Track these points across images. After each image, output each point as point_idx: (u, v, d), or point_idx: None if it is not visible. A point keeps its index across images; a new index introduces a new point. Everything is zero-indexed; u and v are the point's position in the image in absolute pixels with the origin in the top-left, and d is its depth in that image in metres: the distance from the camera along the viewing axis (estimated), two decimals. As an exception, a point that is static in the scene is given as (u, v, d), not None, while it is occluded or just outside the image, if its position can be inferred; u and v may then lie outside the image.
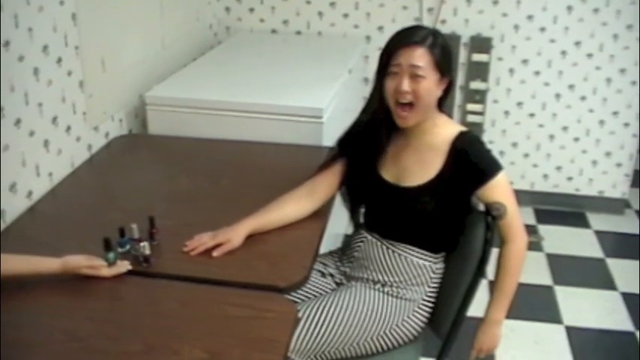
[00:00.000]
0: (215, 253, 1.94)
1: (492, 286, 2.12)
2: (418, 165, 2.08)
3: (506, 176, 2.04)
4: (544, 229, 4.17)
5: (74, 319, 1.68)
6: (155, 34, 3.20)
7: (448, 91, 2.08)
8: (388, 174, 2.13)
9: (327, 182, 2.18)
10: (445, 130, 2.08)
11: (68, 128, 2.47)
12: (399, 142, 2.13)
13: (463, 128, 2.10)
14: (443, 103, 2.11)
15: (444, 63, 2.01)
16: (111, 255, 1.82)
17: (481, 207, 2.09)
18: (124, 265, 1.84)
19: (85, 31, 2.51)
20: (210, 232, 2.00)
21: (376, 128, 2.11)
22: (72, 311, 1.72)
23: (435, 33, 2.02)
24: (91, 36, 2.57)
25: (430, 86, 1.99)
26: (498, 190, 2.03)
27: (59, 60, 2.38)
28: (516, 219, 2.06)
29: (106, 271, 1.81)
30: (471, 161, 2.02)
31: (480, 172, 2.02)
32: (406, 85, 1.97)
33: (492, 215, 2.01)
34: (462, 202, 2.10)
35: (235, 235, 1.98)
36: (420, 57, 1.97)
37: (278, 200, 2.14)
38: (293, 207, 2.14)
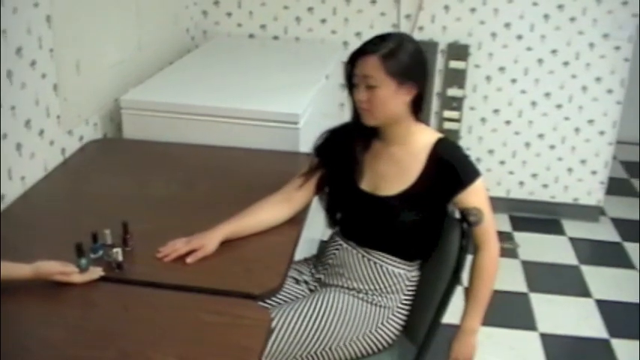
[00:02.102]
0: (189, 260, 1.92)
1: (466, 294, 2.12)
2: (395, 173, 2.08)
3: (483, 182, 2.05)
4: (519, 236, 4.18)
5: (46, 326, 1.66)
6: (131, 37, 3.18)
7: (420, 99, 2.06)
8: (365, 183, 2.12)
9: (304, 189, 2.17)
10: (422, 137, 2.08)
11: (42, 132, 2.44)
12: (376, 151, 2.13)
13: (440, 135, 2.10)
14: (420, 111, 2.09)
15: (404, 71, 1.97)
16: (83, 261, 1.80)
17: (457, 214, 2.09)
18: (97, 272, 1.82)
19: (60, 33, 2.49)
20: (184, 237, 1.98)
21: (351, 139, 2.12)
22: (43, 318, 1.70)
23: (399, 40, 2.00)
24: (66, 38, 2.54)
25: (385, 95, 1.98)
26: (476, 196, 2.04)
27: (33, 63, 2.35)
28: (491, 226, 2.07)
29: (78, 278, 1.79)
30: (450, 167, 2.03)
31: (459, 178, 2.03)
32: (361, 94, 1.99)
33: (469, 221, 2.02)
34: (439, 209, 2.10)
35: (209, 241, 1.97)
36: (370, 67, 1.97)
37: (253, 206, 2.13)
38: (268, 213, 2.13)
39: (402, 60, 1.98)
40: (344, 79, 2.07)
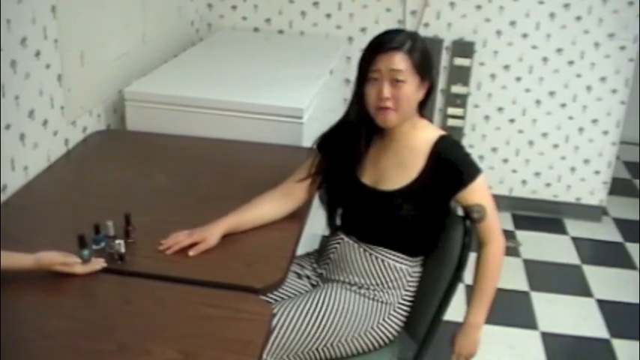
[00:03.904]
0: (191, 253, 1.92)
1: (471, 289, 2.12)
2: (397, 168, 2.07)
3: (485, 179, 2.05)
4: (522, 235, 4.18)
5: (46, 317, 1.66)
6: (136, 29, 3.17)
7: (429, 95, 2.07)
8: (367, 177, 2.12)
9: (305, 184, 2.16)
10: (425, 133, 2.08)
11: (45, 122, 2.44)
12: (379, 145, 2.12)
13: (443, 132, 2.10)
14: (424, 107, 2.11)
15: (424, 66, 2.00)
16: (85, 252, 1.80)
17: (460, 212, 2.09)
18: (99, 263, 1.82)
19: (65, 24, 2.48)
20: (186, 230, 1.98)
21: (355, 134, 2.10)
22: (44, 308, 1.70)
23: (413, 36, 2.01)
24: (71, 29, 2.53)
25: (411, 90, 1.98)
26: (478, 193, 2.03)
27: (38, 53, 2.35)
28: (495, 221, 2.07)
29: (80, 269, 1.79)
30: (451, 165, 2.02)
31: (460, 176, 2.02)
32: (387, 90, 1.96)
33: (473, 218, 2.02)
34: (441, 206, 2.10)
35: (211, 234, 1.97)
36: (399, 61, 1.96)
37: (255, 200, 2.13)
38: (269, 207, 2.13)
39: (421, 55, 2.00)
40: (358, 76, 2.04)
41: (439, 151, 2.04)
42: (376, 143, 2.13)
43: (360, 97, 2.04)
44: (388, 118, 2.02)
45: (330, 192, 2.22)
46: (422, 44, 2.02)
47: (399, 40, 1.98)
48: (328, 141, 2.19)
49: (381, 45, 1.99)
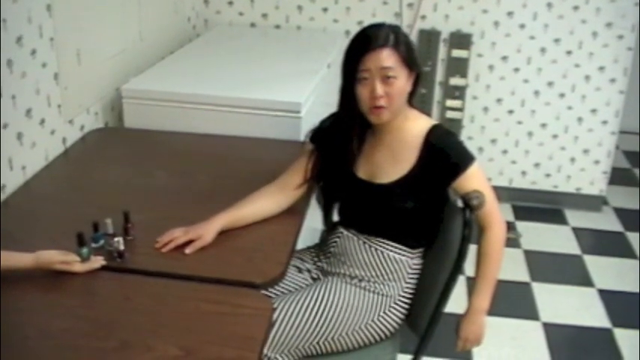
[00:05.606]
0: (187, 251, 1.91)
1: (474, 276, 2.11)
2: (391, 161, 2.07)
3: (479, 166, 2.05)
4: (522, 226, 4.18)
5: (47, 316, 1.66)
6: (132, 26, 3.17)
7: (417, 84, 2.07)
8: (362, 172, 2.12)
9: (300, 179, 2.16)
10: (417, 124, 2.08)
11: (42, 121, 2.44)
12: (372, 139, 2.12)
13: (435, 122, 2.10)
14: (413, 97, 2.10)
15: (410, 58, 2.00)
16: (84, 250, 1.79)
17: (459, 203, 2.08)
18: (98, 261, 1.81)
19: (61, 22, 2.48)
20: (182, 227, 1.98)
21: (348, 132, 2.10)
22: (44, 307, 1.70)
23: (395, 29, 2.01)
24: (67, 27, 2.53)
25: (402, 85, 1.99)
26: (474, 180, 2.03)
27: (34, 51, 2.34)
28: (494, 206, 2.07)
29: (80, 267, 1.78)
30: (445, 154, 2.03)
31: (454, 165, 2.03)
32: (379, 89, 1.96)
33: (472, 205, 2.01)
34: (438, 196, 2.10)
35: (207, 231, 1.96)
36: (387, 58, 1.95)
37: (251, 196, 2.12)
38: (265, 202, 2.12)
39: (406, 47, 2.00)
40: (345, 76, 2.04)
41: (432, 140, 2.04)
42: (369, 138, 2.13)
43: (350, 96, 2.03)
44: (381, 117, 2.02)
45: (327, 188, 2.22)
46: (404, 36, 2.02)
47: (383, 35, 1.97)
48: (321, 135, 2.18)
49: (366, 43, 1.98)
